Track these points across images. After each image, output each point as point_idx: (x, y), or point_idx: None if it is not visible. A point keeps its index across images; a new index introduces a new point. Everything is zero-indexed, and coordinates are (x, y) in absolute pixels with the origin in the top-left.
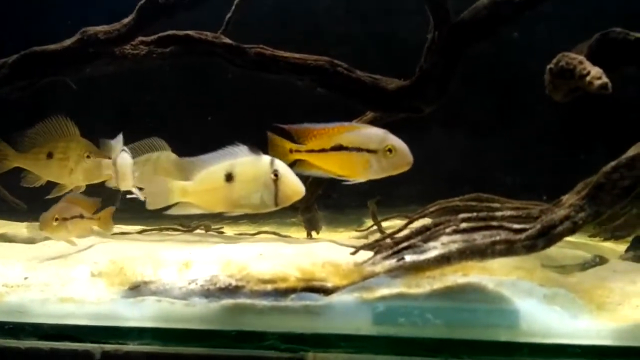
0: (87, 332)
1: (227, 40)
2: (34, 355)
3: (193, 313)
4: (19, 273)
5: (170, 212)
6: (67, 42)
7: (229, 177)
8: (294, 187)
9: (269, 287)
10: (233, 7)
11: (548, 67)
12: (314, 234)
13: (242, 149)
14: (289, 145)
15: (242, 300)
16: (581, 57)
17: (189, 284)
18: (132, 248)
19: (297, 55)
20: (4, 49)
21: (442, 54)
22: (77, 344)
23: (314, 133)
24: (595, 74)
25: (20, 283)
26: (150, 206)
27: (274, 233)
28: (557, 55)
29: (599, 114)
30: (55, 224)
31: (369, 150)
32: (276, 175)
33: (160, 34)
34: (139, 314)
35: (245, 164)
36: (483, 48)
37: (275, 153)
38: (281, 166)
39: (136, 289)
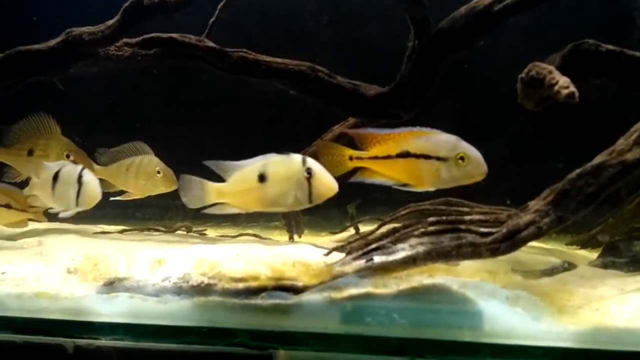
0: (61, 326)
1: (210, 44)
2: (8, 348)
3: (165, 310)
4: None
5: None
6: (52, 42)
7: (262, 178)
8: (328, 184)
9: (240, 285)
10: (217, 11)
11: (520, 76)
12: (295, 237)
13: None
14: (349, 152)
15: (213, 298)
16: (551, 67)
17: (162, 281)
18: (109, 246)
19: (279, 60)
20: None
21: (420, 63)
22: (50, 338)
23: (378, 139)
24: (563, 83)
25: None
26: (189, 206)
27: (255, 235)
28: (528, 65)
29: (569, 122)
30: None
31: (438, 158)
32: (309, 173)
33: (144, 36)
34: (111, 309)
35: (278, 164)
36: (461, 57)
37: (329, 161)
38: (314, 164)
39: (110, 285)
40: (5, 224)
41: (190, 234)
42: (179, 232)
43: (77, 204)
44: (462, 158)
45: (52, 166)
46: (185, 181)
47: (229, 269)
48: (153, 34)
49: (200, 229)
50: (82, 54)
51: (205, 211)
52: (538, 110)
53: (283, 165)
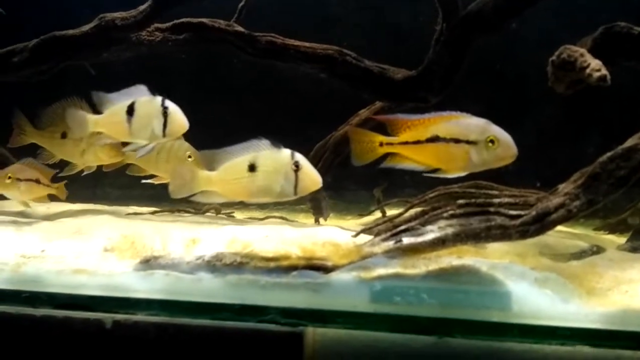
0: (99, 302)
1: (239, 28)
2: (48, 323)
3: (199, 287)
4: (36, 245)
5: (194, 199)
6: (86, 27)
7: (252, 168)
8: (312, 177)
9: (272, 264)
10: None
11: (550, 59)
12: (321, 220)
13: (264, 142)
14: (379, 138)
15: (246, 276)
16: (582, 50)
17: (196, 259)
18: (143, 226)
19: (306, 44)
20: (24, 33)
21: (449, 46)
22: (89, 313)
23: (408, 124)
24: (594, 66)
25: (37, 255)
26: (174, 195)
27: (282, 218)
28: (559, 48)
29: (600, 105)
30: (7, 181)
31: (468, 142)
32: (297, 166)
33: (175, 21)
34: (148, 286)
35: (268, 156)
36: (489, 40)
37: (360, 147)
38: (301, 158)
39: (146, 263)
40: (32, 198)
41: (219, 215)
42: (208, 213)
43: (164, 135)
44: (492, 141)
45: (119, 98)
46: (177, 168)
47: (261, 248)
48: (183, 19)
49: (228, 211)
50: (115, 39)
51: (192, 198)
52: (569, 94)
53: (273, 158)
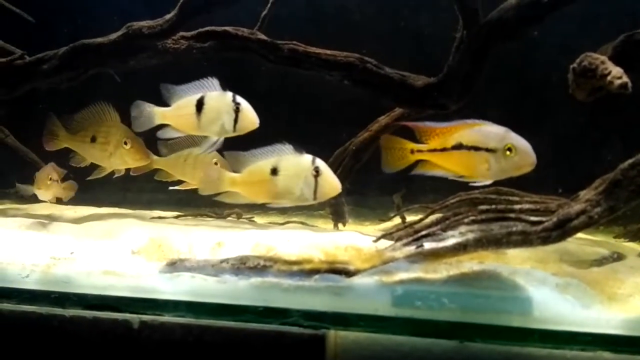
0: (127, 303)
1: (262, 37)
2: (78, 323)
3: (224, 289)
4: (65, 247)
5: (219, 199)
6: (113, 35)
7: (274, 172)
8: (332, 183)
9: (295, 267)
10: (269, 5)
11: (571, 66)
12: (340, 226)
13: (288, 147)
14: (410, 145)
15: (269, 279)
16: (603, 57)
17: (221, 262)
18: (169, 229)
19: (328, 52)
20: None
21: (469, 53)
22: (117, 314)
23: (436, 132)
24: (615, 73)
25: (67, 257)
26: (202, 192)
27: (302, 223)
28: (580, 55)
29: (620, 112)
30: (49, 182)
31: (487, 150)
32: (317, 172)
33: (200, 30)
34: (174, 288)
35: (290, 161)
36: (509, 47)
37: (392, 155)
38: (321, 164)
39: (172, 266)
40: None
41: (240, 220)
42: (230, 218)
43: (234, 130)
44: (509, 149)
45: (188, 91)
46: (207, 169)
47: (284, 252)
48: (208, 28)
49: (248, 216)
50: (141, 47)
51: (216, 198)
52: (590, 101)
53: (294, 162)
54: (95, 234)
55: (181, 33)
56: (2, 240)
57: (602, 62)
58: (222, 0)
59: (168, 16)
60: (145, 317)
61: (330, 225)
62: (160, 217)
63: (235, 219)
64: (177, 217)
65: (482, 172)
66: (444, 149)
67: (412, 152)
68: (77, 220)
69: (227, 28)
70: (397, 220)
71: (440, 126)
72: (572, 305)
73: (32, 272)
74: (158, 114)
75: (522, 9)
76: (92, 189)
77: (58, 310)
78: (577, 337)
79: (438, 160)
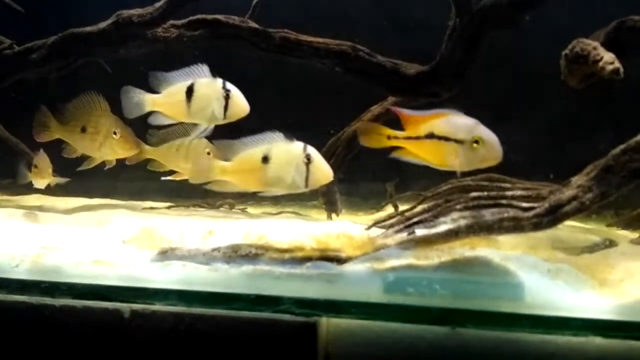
0: (117, 292)
1: (253, 25)
2: (68, 312)
3: (215, 277)
4: (55, 237)
5: (209, 187)
6: (103, 24)
7: (265, 159)
8: (324, 171)
9: (287, 255)
10: None
11: (563, 52)
12: (333, 216)
13: (278, 135)
14: (387, 131)
15: (261, 267)
16: (595, 43)
17: (212, 251)
18: (160, 219)
19: (320, 40)
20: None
21: (461, 41)
22: (108, 303)
23: (412, 119)
24: (608, 59)
25: (57, 246)
26: (192, 181)
27: (295, 213)
28: (572, 41)
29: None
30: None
31: (456, 140)
32: (308, 159)
33: (190, 18)
34: (165, 276)
35: (281, 148)
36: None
37: (370, 139)
38: (313, 151)
39: (163, 254)
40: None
41: (233, 210)
42: (222, 208)
43: (224, 117)
44: (477, 141)
45: (178, 78)
46: (196, 158)
47: (276, 240)
48: (198, 16)
49: (241, 206)
50: (131, 36)
51: (206, 187)
52: (582, 87)
53: (286, 150)
54: (85, 223)
55: (171, 21)
56: None
57: (594, 48)
58: None
59: (158, 4)
60: (135, 306)
61: (324, 215)
62: (152, 208)
63: (228, 210)
64: (169, 207)
65: (450, 162)
66: (417, 137)
67: (389, 137)
68: (68, 211)
69: (218, 16)
70: (390, 209)
71: (416, 114)
72: (563, 290)
73: (22, 262)
74: (148, 101)
75: None
76: (82, 178)
77: (48, 300)
78: (569, 322)
79: (412, 148)
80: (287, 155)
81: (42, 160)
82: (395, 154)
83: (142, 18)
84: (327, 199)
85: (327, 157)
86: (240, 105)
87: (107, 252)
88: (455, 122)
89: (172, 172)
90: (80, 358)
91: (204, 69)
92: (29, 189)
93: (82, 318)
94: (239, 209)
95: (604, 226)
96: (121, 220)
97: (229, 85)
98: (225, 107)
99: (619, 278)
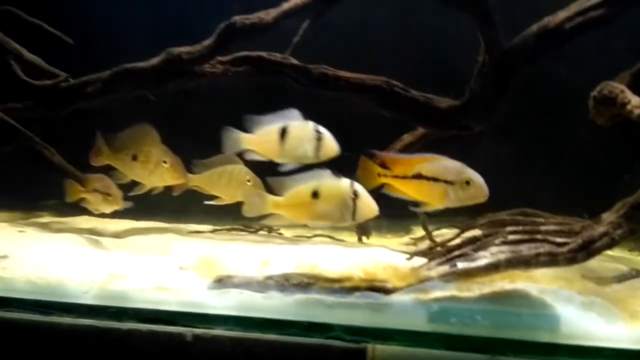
0: (180, 317)
1: (294, 61)
2: (135, 335)
3: (270, 305)
4: (119, 264)
5: (265, 222)
6: (154, 60)
7: (315, 195)
8: (370, 206)
9: (336, 285)
10: (300, 32)
11: (592, 94)
12: (364, 239)
13: (327, 172)
14: (377, 169)
15: (312, 296)
16: (622, 87)
17: (266, 279)
18: (212, 246)
19: (356, 75)
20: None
21: (492, 77)
22: (171, 327)
23: (399, 161)
24: (635, 102)
25: (122, 273)
26: (246, 214)
27: (328, 236)
28: (600, 84)
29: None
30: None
31: (446, 181)
32: (355, 195)
33: (235, 55)
34: (224, 303)
35: (330, 185)
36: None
37: (364, 174)
38: (359, 188)
39: (220, 282)
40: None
41: (271, 234)
42: (262, 232)
43: (316, 157)
44: (467, 182)
45: (271, 120)
46: (249, 193)
47: (326, 269)
48: (243, 53)
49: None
50: (180, 71)
51: (263, 221)
52: (609, 125)
53: (334, 186)
54: (144, 249)
55: (218, 57)
56: (60, 256)
57: (622, 91)
58: (259, 28)
59: (206, 42)
60: (197, 331)
61: (354, 237)
62: (197, 232)
63: (267, 233)
64: (213, 231)
65: (439, 200)
66: (405, 177)
67: (379, 175)
68: (121, 234)
69: (261, 53)
70: (419, 232)
71: (402, 157)
72: (596, 322)
73: (91, 288)
74: (244, 140)
75: (543, 36)
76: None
77: (115, 324)
78: (602, 351)
79: (399, 186)
80: (336, 192)
81: (113, 187)
82: (386, 190)
83: (191, 55)
84: (359, 225)
85: None
86: (331, 146)
87: (169, 279)
88: (444, 165)
89: (214, 197)
90: None
91: (296, 112)
92: (74, 209)
93: (147, 341)
94: (276, 233)
95: (627, 251)
96: (176, 246)
97: (321, 128)
98: (317, 148)
99: None
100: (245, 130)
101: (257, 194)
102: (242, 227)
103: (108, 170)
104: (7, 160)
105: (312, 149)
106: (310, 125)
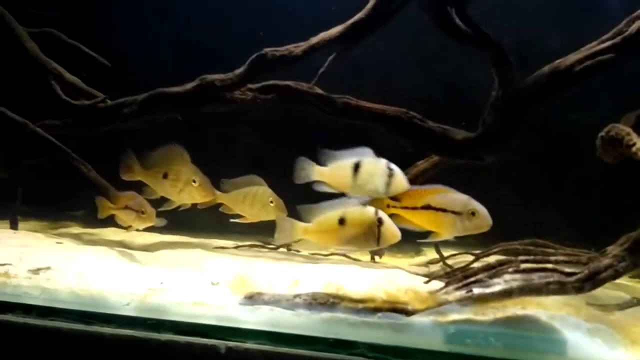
0: (215, 330)
1: (319, 91)
2: (172, 346)
3: (299, 322)
4: (156, 278)
5: (296, 247)
6: (188, 86)
7: (342, 222)
8: (393, 232)
9: (360, 305)
10: (326, 63)
11: (600, 134)
12: (377, 258)
13: (353, 200)
14: (386, 201)
15: (338, 314)
16: (628, 129)
17: (295, 297)
18: (241, 262)
19: (377, 106)
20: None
21: (506, 113)
22: (206, 340)
23: (408, 193)
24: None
25: (159, 287)
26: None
27: (343, 255)
28: (607, 125)
29: None
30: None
31: (454, 212)
32: (380, 222)
33: (264, 83)
34: (255, 319)
35: (356, 212)
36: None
37: (373, 206)
38: (383, 215)
39: (251, 299)
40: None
41: (291, 251)
42: (282, 249)
43: (385, 192)
44: (473, 213)
45: (345, 155)
46: (280, 220)
47: (351, 290)
48: (271, 82)
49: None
50: (212, 97)
51: (291, 246)
52: (615, 163)
53: (360, 213)
54: (176, 264)
55: (248, 85)
56: (100, 268)
57: (628, 134)
58: (287, 60)
59: (238, 71)
60: (230, 344)
61: (366, 256)
62: (222, 247)
63: (286, 250)
64: (236, 247)
65: (446, 230)
66: (414, 207)
67: (388, 206)
68: (149, 247)
69: (288, 82)
70: (429, 252)
71: (412, 189)
72: (600, 347)
73: (132, 301)
74: (316, 171)
75: (554, 76)
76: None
77: (154, 335)
78: None
79: (408, 216)
80: (362, 218)
81: (146, 205)
82: (395, 220)
83: (223, 82)
84: None
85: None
86: (402, 182)
87: (203, 293)
88: (451, 197)
89: (239, 216)
90: None
91: (368, 150)
92: (100, 220)
93: (183, 352)
94: (294, 250)
95: (628, 278)
96: (209, 263)
97: (392, 165)
98: (388, 184)
99: None
100: (317, 162)
101: (288, 222)
102: (263, 244)
103: (138, 186)
104: (37, 172)
105: (383, 184)
106: (383, 162)
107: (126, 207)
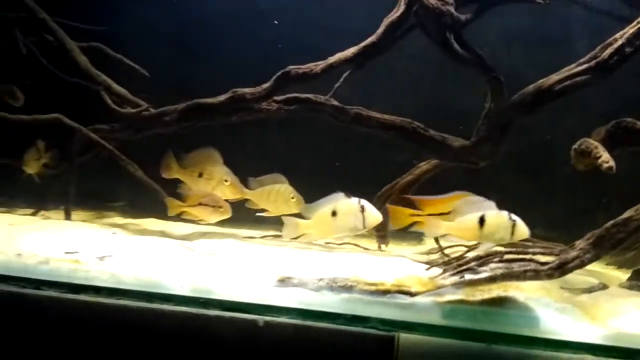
0: (254, 307)
1: (335, 102)
2: (218, 320)
3: (323, 300)
4: (206, 264)
5: (299, 240)
6: (222, 97)
7: (334, 214)
8: (374, 216)
9: (373, 288)
10: (341, 79)
11: (573, 147)
12: (383, 246)
13: (340, 195)
14: (407, 211)
15: (354, 295)
16: (597, 143)
17: (319, 281)
18: (269, 250)
19: (385, 116)
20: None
21: (497, 123)
22: (247, 315)
23: (430, 202)
24: (604, 158)
25: (208, 272)
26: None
27: (355, 244)
28: (580, 140)
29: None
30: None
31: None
32: (362, 209)
33: (288, 95)
34: (287, 298)
35: (343, 204)
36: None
37: (395, 216)
38: (365, 203)
39: (282, 282)
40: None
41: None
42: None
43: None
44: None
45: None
46: (285, 219)
47: (365, 276)
48: (294, 94)
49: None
50: (242, 108)
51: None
52: (586, 170)
53: (346, 205)
54: (215, 251)
55: (274, 97)
56: (155, 256)
57: (596, 147)
58: (308, 76)
59: (266, 85)
60: (267, 318)
61: (374, 244)
62: (251, 237)
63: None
64: (262, 237)
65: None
66: (441, 214)
67: (412, 215)
68: (188, 237)
69: (309, 95)
70: (428, 241)
71: (433, 198)
72: (567, 322)
73: (185, 284)
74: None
75: (538, 94)
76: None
77: (204, 311)
78: (570, 344)
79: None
80: (348, 208)
81: (221, 200)
82: (417, 228)
83: (253, 95)
84: (379, 233)
85: (382, 200)
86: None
87: (244, 278)
88: (474, 202)
89: (263, 210)
90: (226, 355)
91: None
92: (138, 211)
93: (228, 325)
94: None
95: (604, 264)
96: (234, 248)
97: (363, 201)
98: (363, 220)
99: (604, 316)
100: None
101: (292, 220)
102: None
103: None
104: (82, 166)
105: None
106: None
107: (200, 204)
